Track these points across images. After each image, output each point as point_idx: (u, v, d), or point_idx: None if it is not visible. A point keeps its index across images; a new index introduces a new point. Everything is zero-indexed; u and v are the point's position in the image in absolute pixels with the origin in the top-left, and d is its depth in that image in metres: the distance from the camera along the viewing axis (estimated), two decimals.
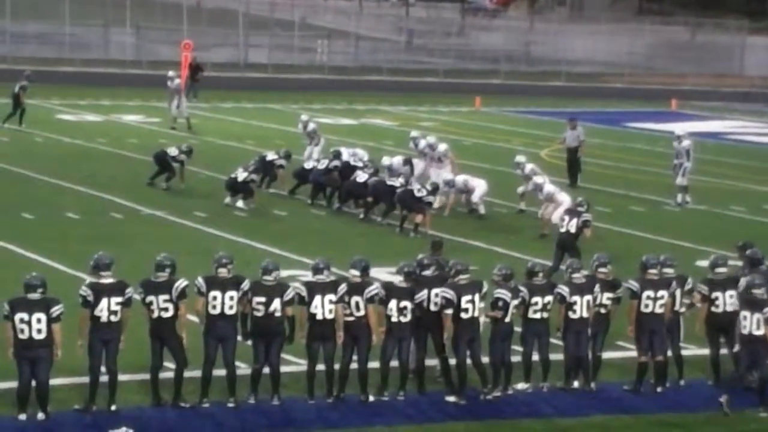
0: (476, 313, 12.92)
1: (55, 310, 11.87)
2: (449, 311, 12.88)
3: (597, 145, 33.34)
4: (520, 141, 34.42)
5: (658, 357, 13.41)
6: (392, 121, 39.09)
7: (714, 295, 13.61)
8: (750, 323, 12.84)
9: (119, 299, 12.20)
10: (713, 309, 13.62)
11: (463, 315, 12.89)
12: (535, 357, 13.43)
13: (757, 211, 25.05)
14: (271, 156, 24.38)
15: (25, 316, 11.76)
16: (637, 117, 43.52)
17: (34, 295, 11.88)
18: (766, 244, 19.42)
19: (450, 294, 12.93)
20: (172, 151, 24.41)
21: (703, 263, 15.16)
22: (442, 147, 24.47)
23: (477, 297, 12.91)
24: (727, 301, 13.61)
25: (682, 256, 16.37)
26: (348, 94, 45.23)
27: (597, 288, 13.42)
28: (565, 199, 21.30)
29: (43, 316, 11.79)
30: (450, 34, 67.14)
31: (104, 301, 12.15)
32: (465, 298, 12.88)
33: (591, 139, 34.16)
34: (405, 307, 12.95)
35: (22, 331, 11.75)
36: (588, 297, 13.32)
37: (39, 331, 11.77)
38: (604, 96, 50.29)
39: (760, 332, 12.75)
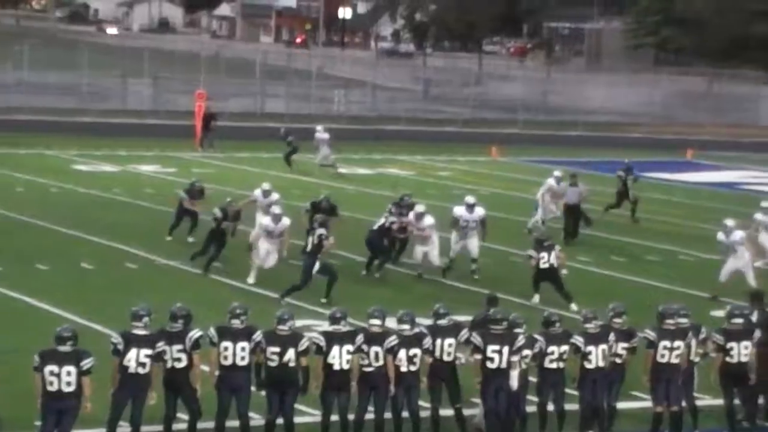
0: (503, 365, 12.91)
1: (86, 363, 11.86)
2: (477, 357, 12.92)
3: (614, 195, 33.30)
4: (538, 191, 34.35)
5: (673, 407, 13.33)
6: (409, 171, 39.19)
7: (729, 345, 13.55)
8: None
9: (148, 351, 12.20)
10: (727, 359, 13.56)
11: (489, 364, 12.90)
12: (551, 407, 13.35)
13: None
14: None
15: (55, 368, 11.75)
16: (653, 167, 43.47)
17: (65, 348, 11.86)
18: None
19: (477, 341, 12.98)
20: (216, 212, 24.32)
21: (718, 313, 15.09)
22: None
23: (506, 349, 12.89)
24: (741, 351, 13.55)
25: (696, 306, 16.28)
26: (365, 144, 45.39)
27: (612, 337, 13.37)
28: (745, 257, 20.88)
29: (73, 369, 11.78)
30: (467, 84, 67.43)
31: (133, 352, 12.16)
32: (491, 348, 12.89)
33: (610, 189, 34.15)
34: (414, 356, 12.93)
35: (51, 383, 11.74)
36: (603, 346, 13.26)
37: (68, 383, 11.76)
38: (622, 145, 50.27)
39: None
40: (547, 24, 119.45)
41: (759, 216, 23.82)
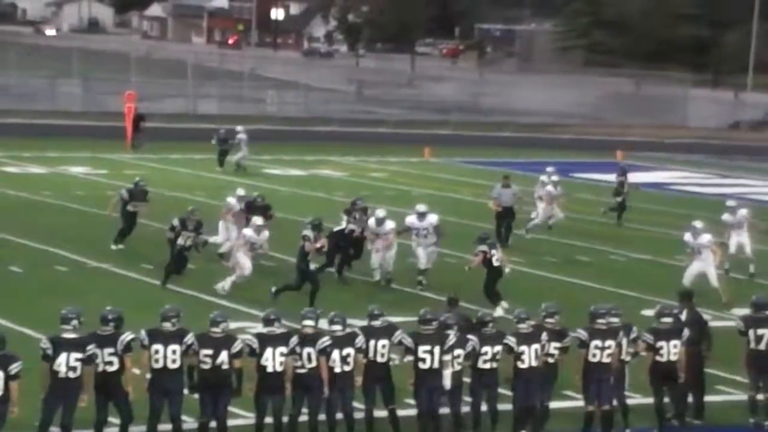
0: (435, 365, 12.96)
1: (14, 367, 11.70)
2: (409, 357, 13.01)
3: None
4: (470, 191, 34.62)
5: (604, 406, 13.48)
6: (342, 172, 39.21)
7: (659, 344, 13.73)
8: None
9: (78, 355, 12.05)
10: (657, 358, 13.74)
11: (421, 365, 12.98)
12: (484, 407, 13.44)
13: None
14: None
15: None
16: (584, 167, 43.97)
17: None
18: (708, 294, 19.72)
19: (408, 341, 13.06)
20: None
21: (648, 312, 15.29)
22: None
23: (437, 349, 12.98)
24: (671, 350, 13.73)
25: (627, 305, 16.47)
26: (298, 145, 45.34)
27: (544, 337, 13.49)
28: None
29: (0, 374, 11.61)
30: (400, 85, 67.56)
31: (63, 356, 12.01)
32: (423, 348, 12.98)
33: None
34: (348, 356, 12.95)
35: None
36: (536, 346, 13.38)
37: None
38: (553, 146, 50.78)
39: None
40: (479, 25, 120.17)
41: (726, 216, 23.99)
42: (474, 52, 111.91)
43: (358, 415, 13.23)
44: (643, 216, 31.33)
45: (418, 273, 21.38)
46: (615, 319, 13.67)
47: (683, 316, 14.28)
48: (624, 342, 13.67)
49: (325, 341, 12.87)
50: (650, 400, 13.97)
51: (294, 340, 12.80)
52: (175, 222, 20.78)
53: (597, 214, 30.84)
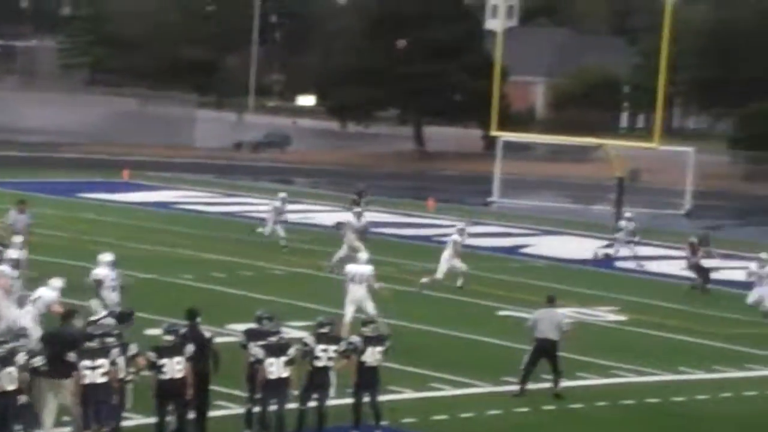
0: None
1: None
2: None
3: (51, 216, 32.93)
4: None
5: (104, 429, 13.32)
6: None
7: (161, 361, 13.75)
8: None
9: None
10: (161, 376, 13.74)
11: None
12: None
13: (206, 279, 25.80)
14: None
15: None
16: (90, 187, 43.48)
17: None
18: (212, 310, 20.11)
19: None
20: None
21: (153, 332, 15.34)
22: None
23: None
24: (174, 367, 13.77)
25: (136, 325, 16.27)
26: None
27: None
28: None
29: None
30: None
31: None
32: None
33: (45, 210, 33.61)
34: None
35: None
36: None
37: None
38: (58, 166, 49.78)
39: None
40: None
41: (456, 237, 26.32)
42: None
43: None
44: (148, 235, 31.46)
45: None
46: (110, 339, 13.54)
47: (184, 333, 14.41)
48: (121, 361, 13.57)
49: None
50: (151, 419, 13.97)
51: None
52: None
53: (102, 234, 30.45)
